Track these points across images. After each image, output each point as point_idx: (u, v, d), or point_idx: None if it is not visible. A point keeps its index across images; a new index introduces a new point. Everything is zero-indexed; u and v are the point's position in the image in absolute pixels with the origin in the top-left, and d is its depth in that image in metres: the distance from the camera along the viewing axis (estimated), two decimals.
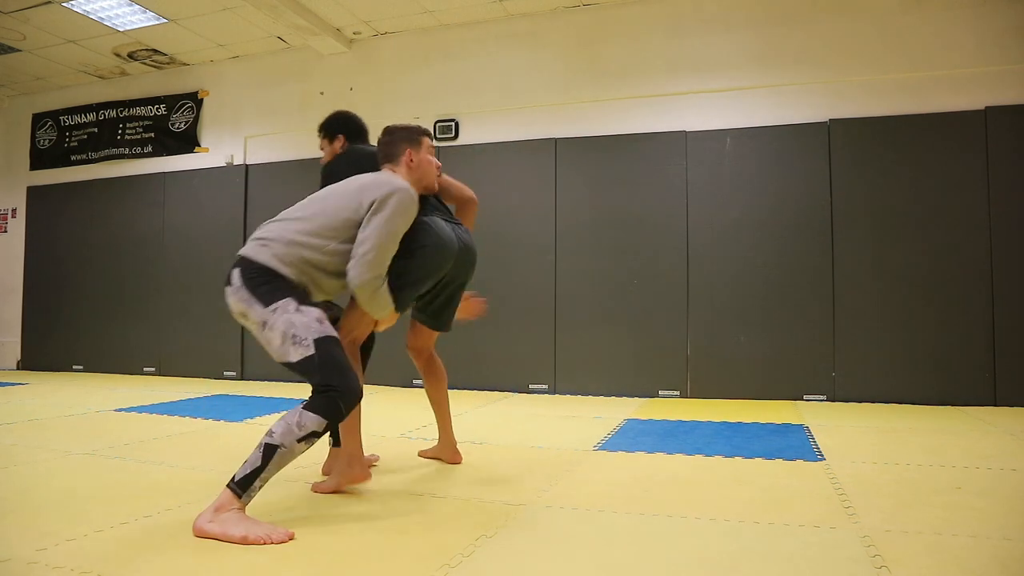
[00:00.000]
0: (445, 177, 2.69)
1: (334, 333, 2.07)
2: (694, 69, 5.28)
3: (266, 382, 6.16)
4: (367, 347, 2.63)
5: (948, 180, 4.67)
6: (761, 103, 5.12)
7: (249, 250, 2.18)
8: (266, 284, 2.10)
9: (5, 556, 1.70)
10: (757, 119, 5.10)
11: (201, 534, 1.84)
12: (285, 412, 2.01)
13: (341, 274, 2.18)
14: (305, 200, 2.28)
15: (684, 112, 5.28)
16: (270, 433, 1.93)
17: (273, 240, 2.16)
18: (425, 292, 2.49)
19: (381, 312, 2.23)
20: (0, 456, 2.93)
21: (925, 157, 4.72)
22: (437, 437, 2.86)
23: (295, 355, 2.01)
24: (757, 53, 5.15)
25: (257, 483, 1.91)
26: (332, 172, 2.56)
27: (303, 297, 2.11)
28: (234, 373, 6.43)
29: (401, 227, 2.20)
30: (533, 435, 3.40)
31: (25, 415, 4.09)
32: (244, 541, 1.80)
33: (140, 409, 4.38)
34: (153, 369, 6.80)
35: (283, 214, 2.26)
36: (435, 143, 2.45)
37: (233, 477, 1.91)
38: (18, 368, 7.48)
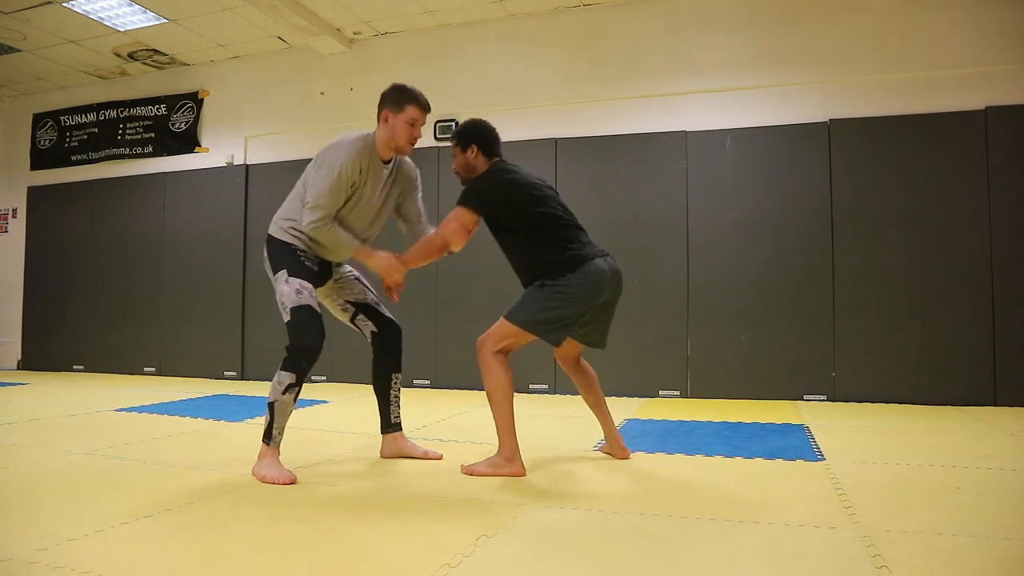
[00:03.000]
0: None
1: (309, 302, 2.55)
2: (694, 69, 5.28)
3: (266, 382, 6.13)
4: (394, 338, 2.88)
5: (948, 180, 4.67)
6: (761, 103, 5.12)
7: (271, 228, 2.71)
8: (274, 253, 2.64)
9: (5, 556, 1.70)
10: (757, 119, 5.10)
11: (258, 478, 2.47)
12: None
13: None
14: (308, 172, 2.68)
15: (684, 112, 5.28)
16: (269, 394, 2.55)
17: (279, 217, 2.69)
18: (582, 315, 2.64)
19: (348, 248, 2.60)
20: (1, 456, 2.93)
21: (925, 157, 4.72)
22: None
23: (285, 317, 2.56)
24: (757, 53, 5.15)
25: (275, 432, 2.54)
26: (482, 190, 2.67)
27: (296, 266, 2.58)
28: (234, 373, 6.43)
29: (339, 175, 2.50)
30: (533, 435, 3.40)
31: (26, 415, 4.09)
32: (263, 480, 2.45)
33: (140, 409, 4.38)
34: (154, 369, 6.81)
35: (295, 187, 2.71)
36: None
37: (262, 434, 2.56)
38: (18, 368, 7.49)
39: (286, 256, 2.60)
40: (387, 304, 2.93)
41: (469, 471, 2.59)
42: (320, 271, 2.68)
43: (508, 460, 2.57)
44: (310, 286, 2.59)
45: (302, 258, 2.61)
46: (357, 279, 2.89)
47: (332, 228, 2.56)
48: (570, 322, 2.62)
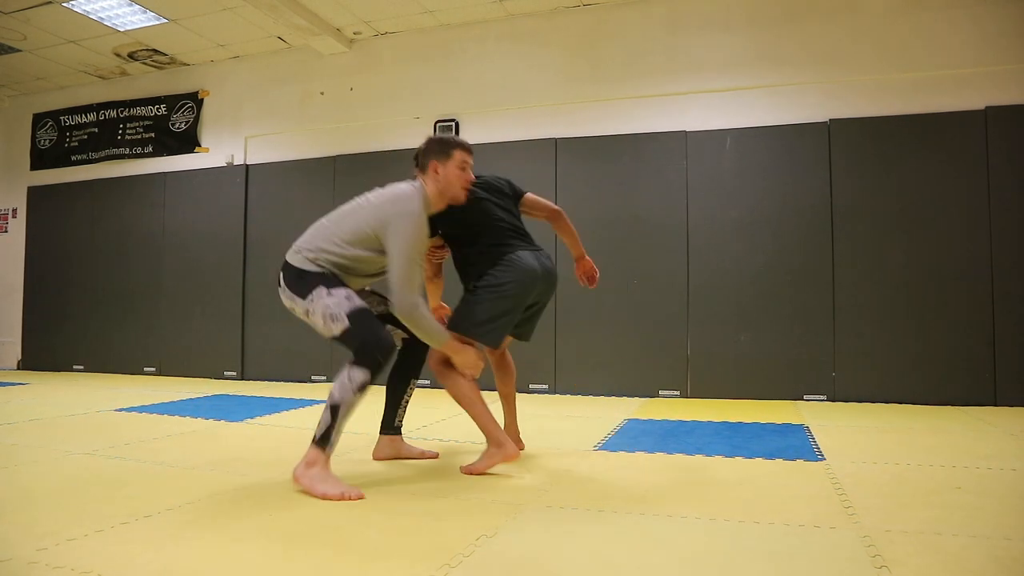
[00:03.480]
0: (531, 196, 2.94)
1: (362, 304, 2.42)
2: (694, 69, 5.28)
3: (266, 382, 6.17)
4: (424, 345, 2.76)
5: (948, 180, 4.67)
6: (761, 103, 5.12)
7: (288, 256, 2.56)
8: (301, 281, 2.47)
9: (5, 556, 1.70)
10: (757, 119, 5.10)
11: (297, 483, 2.32)
12: (338, 373, 2.37)
13: (365, 275, 2.55)
14: (340, 209, 2.58)
15: (684, 112, 5.28)
16: (331, 396, 2.33)
17: (304, 248, 2.52)
18: None
19: (436, 339, 2.50)
20: (1, 456, 2.93)
21: (925, 157, 4.72)
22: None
23: (337, 330, 2.39)
24: (757, 53, 5.15)
25: (333, 436, 2.35)
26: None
27: (332, 281, 2.45)
28: (234, 373, 6.43)
29: (416, 244, 2.43)
30: (533, 435, 3.40)
31: (26, 415, 4.09)
32: (324, 497, 2.23)
33: (140, 409, 4.38)
34: (154, 369, 6.81)
35: (320, 222, 2.58)
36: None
37: (314, 436, 2.35)
38: (19, 368, 7.49)
39: (316, 279, 2.44)
40: None
41: (468, 471, 2.60)
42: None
43: (498, 446, 2.59)
44: (354, 291, 2.48)
45: (331, 275, 2.49)
46: (372, 291, 2.84)
47: (425, 312, 2.45)
48: (508, 320, 2.65)
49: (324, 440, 2.34)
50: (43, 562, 1.66)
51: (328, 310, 2.39)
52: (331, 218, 2.56)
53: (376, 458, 2.86)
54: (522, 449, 3.00)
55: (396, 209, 2.43)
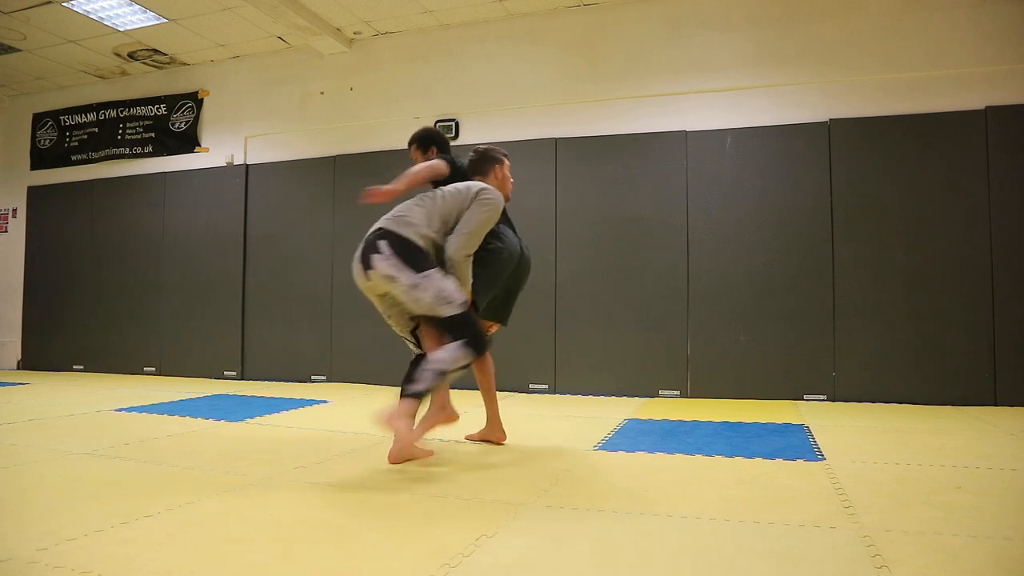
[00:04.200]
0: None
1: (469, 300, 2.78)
2: (694, 69, 5.28)
3: (266, 382, 6.17)
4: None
5: (948, 180, 4.67)
6: (761, 103, 5.12)
7: (392, 225, 2.77)
8: (413, 254, 2.70)
9: (5, 556, 1.70)
10: (757, 119, 5.10)
11: (386, 424, 2.60)
12: (442, 348, 2.67)
13: (436, 252, 2.81)
14: (429, 194, 2.92)
15: (684, 112, 5.28)
16: (438, 361, 2.60)
17: (412, 222, 2.78)
18: None
19: (466, 283, 2.84)
20: (1, 456, 2.93)
21: (925, 157, 4.72)
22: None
23: (447, 311, 2.66)
24: (757, 53, 5.15)
25: (428, 395, 2.64)
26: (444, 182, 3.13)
27: (443, 268, 2.75)
28: (234, 373, 6.43)
29: (491, 221, 2.87)
30: (533, 435, 3.40)
31: (25, 415, 4.09)
32: (392, 425, 2.60)
33: (140, 409, 4.38)
34: (153, 369, 6.81)
35: (416, 205, 2.87)
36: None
37: (409, 390, 2.61)
38: (19, 368, 7.49)
39: (431, 259, 2.74)
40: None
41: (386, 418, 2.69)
42: None
43: (440, 408, 2.95)
44: None
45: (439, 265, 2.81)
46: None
47: (469, 263, 2.85)
48: (496, 283, 3.02)
49: (420, 395, 2.62)
50: (43, 562, 1.66)
51: (443, 292, 2.66)
52: (424, 204, 2.85)
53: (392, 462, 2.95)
54: (504, 440, 3.21)
55: (486, 193, 2.88)
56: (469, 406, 4.52)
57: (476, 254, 2.90)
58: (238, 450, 3.08)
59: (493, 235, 2.97)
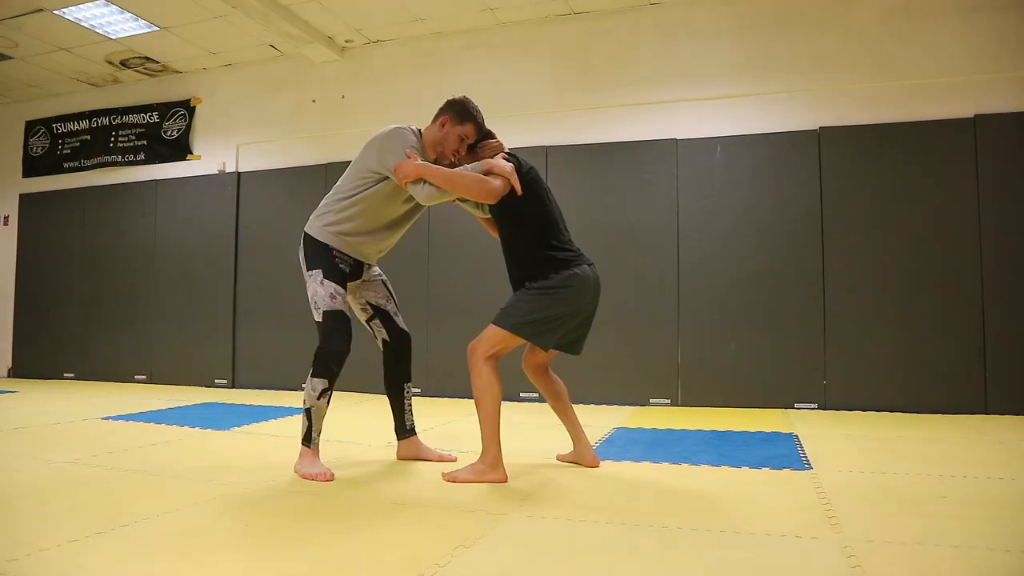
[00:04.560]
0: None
1: (341, 307, 2.67)
2: (684, 77, 5.29)
3: (257, 390, 6.14)
4: (405, 350, 2.99)
5: (938, 188, 4.67)
6: (751, 111, 5.13)
7: (308, 224, 2.79)
8: (310, 252, 2.72)
9: None
10: (747, 127, 5.11)
11: (298, 472, 2.63)
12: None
13: (381, 228, 2.74)
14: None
15: (674, 120, 5.29)
16: (304, 401, 2.67)
17: (317, 215, 2.77)
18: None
19: (460, 182, 2.56)
20: None
21: (915, 165, 4.73)
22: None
23: (316, 317, 2.68)
24: (747, 61, 5.17)
25: (313, 434, 2.67)
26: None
27: (331, 269, 2.67)
28: (225, 381, 6.40)
29: (401, 142, 2.66)
30: (520, 444, 3.38)
31: (11, 423, 4.05)
32: (304, 476, 2.59)
33: (127, 417, 4.35)
34: (144, 377, 6.77)
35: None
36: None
37: (301, 437, 2.69)
38: (9, 376, 7.44)
39: (321, 256, 2.68)
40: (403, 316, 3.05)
41: (452, 478, 2.58)
42: (351, 272, 2.76)
43: (491, 467, 2.58)
44: (343, 291, 2.71)
45: (337, 260, 2.70)
46: (384, 283, 2.98)
47: (428, 187, 2.56)
48: (558, 325, 2.63)
49: (307, 439, 2.68)
50: (12, 573, 1.64)
51: (315, 297, 2.67)
52: (344, 178, 2.77)
53: (400, 459, 3.01)
54: (596, 466, 2.87)
55: (381, 135, 2.72)
56: (457, 415, 4.50)
57: (540, 282, 2.59)
58: (221, 459, 3.06)
59: (560, 273, 2.59)
